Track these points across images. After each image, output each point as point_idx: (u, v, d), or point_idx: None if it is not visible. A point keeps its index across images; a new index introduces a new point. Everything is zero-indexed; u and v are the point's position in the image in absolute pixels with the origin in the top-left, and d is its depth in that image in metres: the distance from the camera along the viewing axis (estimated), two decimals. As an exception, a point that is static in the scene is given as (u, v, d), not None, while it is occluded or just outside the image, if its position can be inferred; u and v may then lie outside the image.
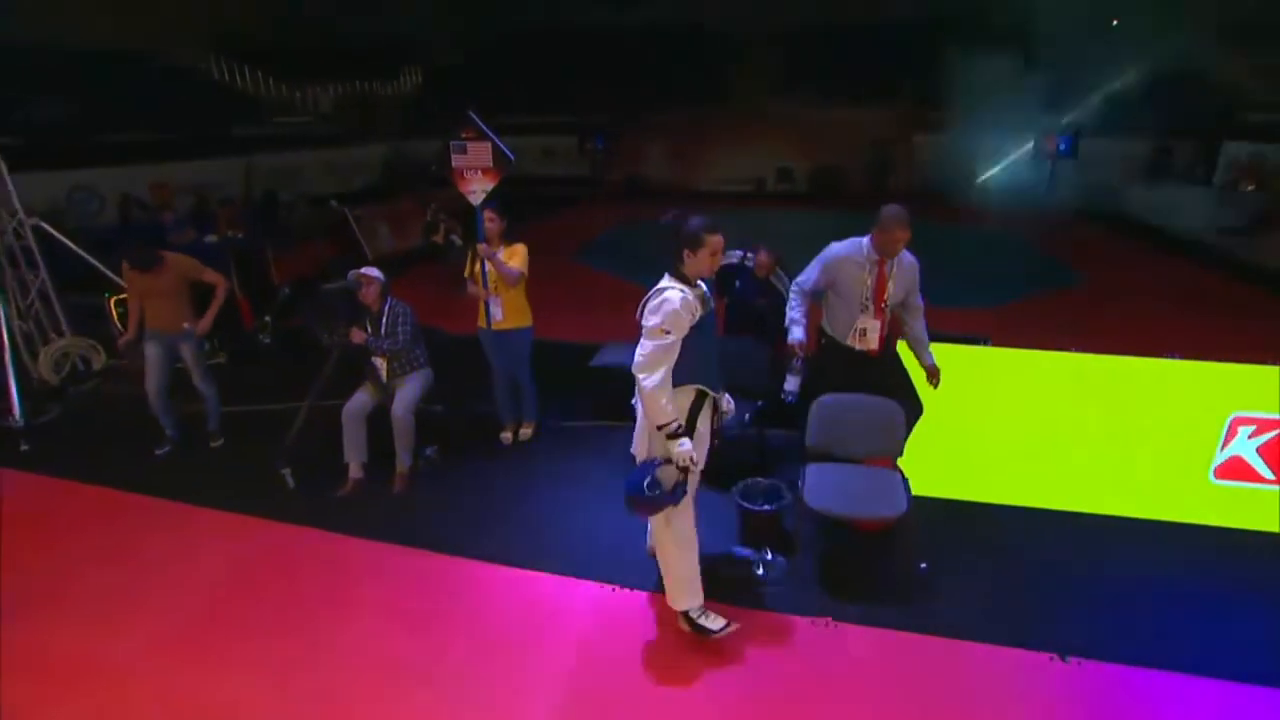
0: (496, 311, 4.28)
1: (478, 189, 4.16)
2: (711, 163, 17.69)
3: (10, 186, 5.37)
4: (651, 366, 2.49)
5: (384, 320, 4.00)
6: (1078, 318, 7.01)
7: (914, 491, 3.20)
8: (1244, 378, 3.43)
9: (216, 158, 12.87)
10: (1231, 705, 2.54)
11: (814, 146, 17.03)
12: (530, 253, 4.27)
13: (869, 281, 3.36)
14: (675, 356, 2.53)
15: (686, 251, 2.55)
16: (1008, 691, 2.60)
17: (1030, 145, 15.08)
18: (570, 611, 3.05)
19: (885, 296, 3.36)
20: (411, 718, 2.52)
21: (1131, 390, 3.51)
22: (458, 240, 9.21)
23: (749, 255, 4.45)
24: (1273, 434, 3.45)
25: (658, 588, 3.05)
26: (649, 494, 2.53)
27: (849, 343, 3.47)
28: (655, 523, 2.79)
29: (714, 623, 2.82)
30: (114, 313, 5.76)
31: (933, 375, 3.44)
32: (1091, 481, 3.65)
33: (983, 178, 15.42)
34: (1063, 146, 14.53)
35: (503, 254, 4.19)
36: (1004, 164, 15.52)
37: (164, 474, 4.23)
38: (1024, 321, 6.72)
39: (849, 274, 3.38)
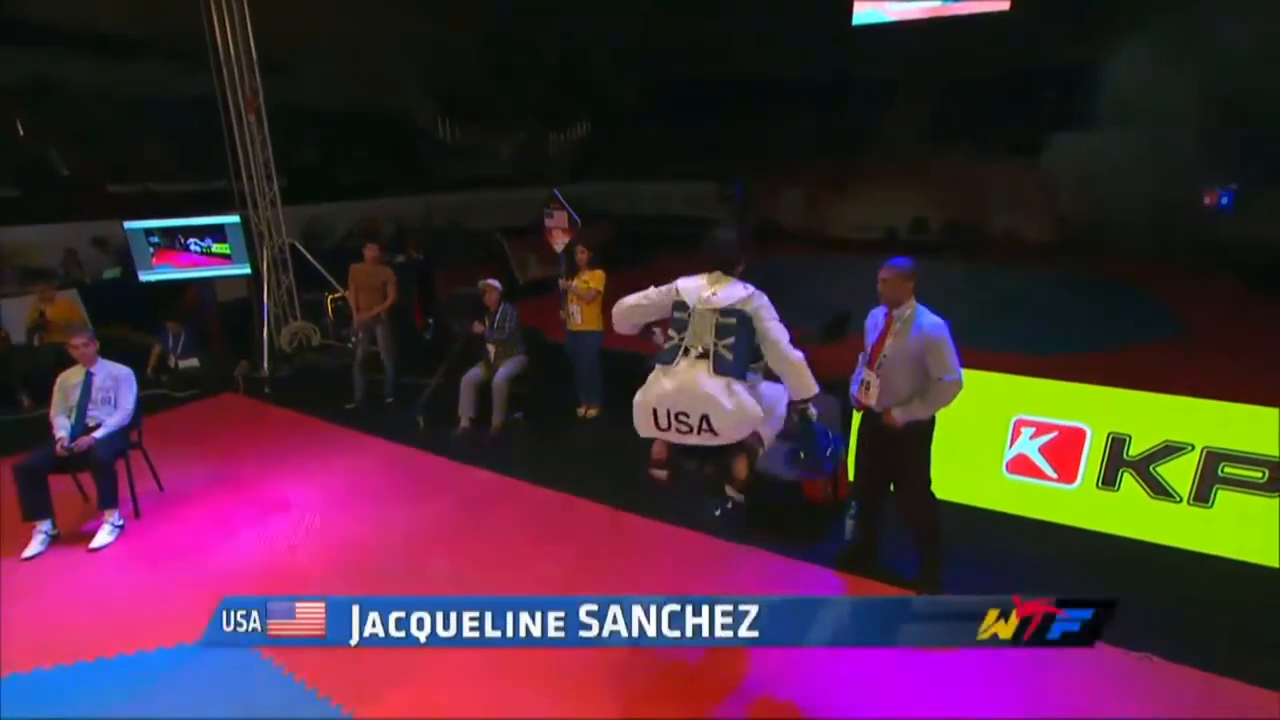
0: (577, 316, 5.82)
1: (560, 241, 6.23)
2: (841, 210, 18.44)
3: (280, 216, 7.84)
4: None
5: (498, 317, 5.64)
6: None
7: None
8: (1026, 387, 4.10)
9: (413, 194, 16.03)
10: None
11: (950, 197, 17.17)
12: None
13: (874, 334, 3.35)
14: None
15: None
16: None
17: (1186, 199, 14.20)
18: (573, 521, 4.38)
19: (881, 350, 3.28)
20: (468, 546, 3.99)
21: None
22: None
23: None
24: (1051, 436, 4.06)
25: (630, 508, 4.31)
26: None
27: (856, 396, 3.44)
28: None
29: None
30: (329, 307, 8.05)
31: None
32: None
33: (1126, 233, 14.69)
34: (1224, 200, 13.70)
35: (585, 275, 5.73)
36: (1155, 218, 14.67)
37: (350, 413, 6.19)
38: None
39: (868, 328, 3.43)
